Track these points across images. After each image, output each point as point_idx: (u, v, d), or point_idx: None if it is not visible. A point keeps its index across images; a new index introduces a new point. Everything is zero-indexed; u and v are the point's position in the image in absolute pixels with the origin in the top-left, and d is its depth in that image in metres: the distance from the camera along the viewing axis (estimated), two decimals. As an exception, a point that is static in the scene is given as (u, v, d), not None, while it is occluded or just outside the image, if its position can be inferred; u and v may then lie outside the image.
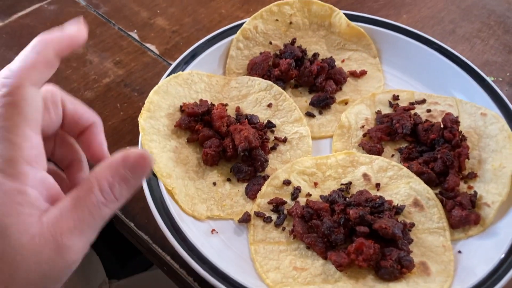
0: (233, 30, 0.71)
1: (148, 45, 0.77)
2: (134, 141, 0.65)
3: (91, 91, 0.71)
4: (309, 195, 0.56)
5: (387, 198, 0.54)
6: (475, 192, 0.55)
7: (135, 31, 0.79)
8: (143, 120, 0.57)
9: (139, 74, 0.73)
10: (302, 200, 0.55)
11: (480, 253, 0.51)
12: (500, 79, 0.72)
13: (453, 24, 0.81)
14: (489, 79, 0.64)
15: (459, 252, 0.52)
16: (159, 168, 0.55)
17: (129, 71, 0.74)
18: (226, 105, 0.65)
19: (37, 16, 0.82)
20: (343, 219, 0.51)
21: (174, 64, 0.65)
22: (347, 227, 0.51)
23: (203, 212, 0.55)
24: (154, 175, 0.55)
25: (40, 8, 0.83)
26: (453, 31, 0.79)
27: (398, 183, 0.56)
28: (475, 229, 0.53)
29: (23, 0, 0.84)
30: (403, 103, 0.65)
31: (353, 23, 0.71)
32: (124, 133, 0.66)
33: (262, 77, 0.67)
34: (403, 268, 0.48)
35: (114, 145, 0.65)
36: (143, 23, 0.81)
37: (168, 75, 0.64)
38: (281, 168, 0.58)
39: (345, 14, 0.71)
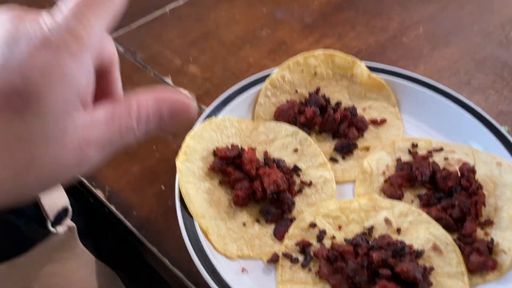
0: (261, 79, 0.76)
1: (181, 90, 0.83)
2: (169, 182, 0.69)
3: (128, 133, 0.76)
4: (333, 237, 0.59)
5: (407, 242, 0.57)
6: (492, 239, 0.58)
7: (170, 77, 0.86)
8: (180, 163, 0.62)
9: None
10: (327, 242, 0.59)
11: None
12: (514, 128, 0.76)
13: (468, 75, 0.85)
14: (503, 129, 0.68)
15: (477, 296, 0.55)
16: (194, 209, 0.59)
17: (164, 114, 0.79)
18: (255, 149, 0.69)
19: (79, 61, 0.89)
20: (366, 261, 0.54)
21: (207, 110, 0.71)
22: (370, 270, 0.54)
23: (234, 251, 0.59)
24: (190, 215, 0.59)
25: (82, 54, 0.90)
26: (468, 82, 0.84)
27: (418, 228, 0.59)
28: (492, 274, 0.55)
29: (66, 47, 0.91)
30: (421, 151, 0.69)
31: (374, 74, 0.76)
32: (159, 173, 0.71)
33: (289, 123, 0.72)
34: (424, 311, 0.51)
35: (150, 184, 0.70)
36: (177, 69, 0.87)
37: (203, 120, 0.69)
38: (307, 211, 0.62)
39: (366, 65, 0.77)
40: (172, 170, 0.70)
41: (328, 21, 0.98)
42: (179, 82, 0.85)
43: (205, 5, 1.01)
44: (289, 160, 0.68)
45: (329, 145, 0.72)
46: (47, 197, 0.56)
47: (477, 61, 0.88)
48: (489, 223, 0.60)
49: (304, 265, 0.57)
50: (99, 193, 0.69)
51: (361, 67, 0.76)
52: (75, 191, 0.72)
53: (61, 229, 0.59)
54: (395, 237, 0.58)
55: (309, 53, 0.77)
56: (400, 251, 0.55)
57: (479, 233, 0.59)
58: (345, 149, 0.70)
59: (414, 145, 0.70)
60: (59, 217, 0.59)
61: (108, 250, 0.74)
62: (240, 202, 0.63)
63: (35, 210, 0.55)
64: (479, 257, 0.55)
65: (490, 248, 0.57)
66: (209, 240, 0.59)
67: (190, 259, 0.56)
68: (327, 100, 0.75)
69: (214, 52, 0.90)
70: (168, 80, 0.85)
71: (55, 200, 0.57)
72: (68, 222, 0.60)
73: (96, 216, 0.71)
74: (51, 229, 0.57)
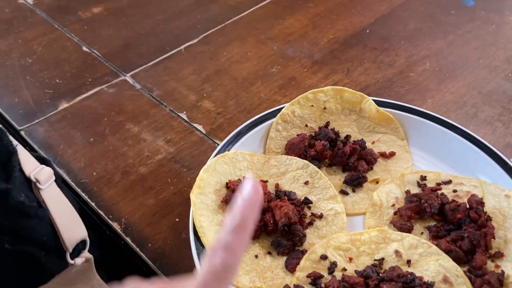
0: (273, 114, 0.79)
1: (195, 125, 0.86)
2: (184, 213, 0.71)
3: (145, 167, 0.79)
4: (344, 269, 0.60)
5: (417, 274, 0.58)
6: (502, 271, 0.58)
7: (184, 112, 0.89)
8: (194, 196, 0.64)
9: (187, 151, 0.81)
10: (338, 274, 0.60)
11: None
12: (522, 161, 0.77)
13: (475, 109, 0.87)
14: (511, 162, 0.69)
15: (490, 330, 0.55)
16: (208, 241, 0.61)
17: (179, 148, 0.82)
18: (266, 181, 0.71)
19: (98, 98, 0.93)
20: (377, 293, 0.55)
21: (220, 145, 0.73)
22: (381, 302, 0.55)
23: (246, 283, 0.60)
24: (204, 247, 0.61)
25: (100, 91, 0.94)
26: (475, 115, 0.86)
27: (428, 260, 0.60)
28: (504, 307, 0.56)
29: (86, 84, 0.96)
30: (430, 183, 0.70)
31: (382, 109, 0.78)
32: (174, 205, 0.73)
33: (299, 156, 0.74)
34: None
35: (165, 217, 0.72)
36: (192, 105, 0.90)
37: (216, 154, 0.72)
38: (318, 243, 0.63)
39: (374, 100, 0.79)
40: (186, 203, 0.73)
41: (337, 57, 1.01)
42: (193, 117, 0.88)
43: (218, 43, 1.05)
44: (300, 192, 0.70)
45: (339, 178, 0.73)
46: (66, 230, 0.58)
47: (483, 95, 0.90)
48: (499, 255, 0.60)
49: (316, 297, 0.58)
50: (115, 225, 0.71)
51: (369, 102, 0.79)
52: (92, 223, 0.74)
53: (79, 260, 0.61)
54: (405, 269, 0.59)
55: (318, 89, 0.80)
56: (410, 283, 0.56)
57: (490, 265, 0.60)
58: (355, 182, 0.71)
59: (423, 178, 0.71)
60: (78, 249, 0.61)
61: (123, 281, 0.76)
62: (252, 235, 0.64)
63: (55, 242, 0.57)
64: (490, 290, 0.55)
65: (500, 280, 0.57)
66: (222, 271, 0.60)
67: (204, 291, 0.57)
68: (337, 134, 0.77)
69: (227, 87, 0.94)
70: (183, 115, 0.88)
71: (74, 232, 0.59)
72: (86, 254, 0.62)
73: (112, 248, 0.73)
74: (70, 261, 0.59)
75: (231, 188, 0.67)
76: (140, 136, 0.84)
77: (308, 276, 0.60)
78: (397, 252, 0.61)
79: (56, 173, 0.61)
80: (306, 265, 0.61)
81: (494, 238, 0.61)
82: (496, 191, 0.66)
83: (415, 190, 0.70)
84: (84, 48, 1.06)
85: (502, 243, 0.61)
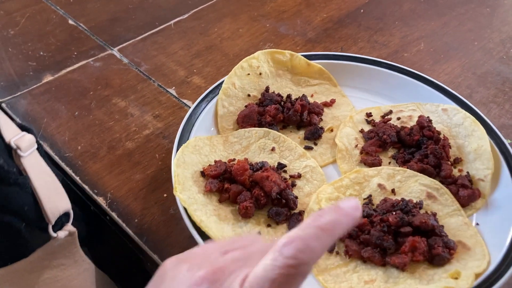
0: (215, 92, 0.76)
1: (185, 101, 0.84)
2: (172, 189, 0.68)
3: (131, 142, 0.77)
4: (343, 216, 0.60)
5: (406, 198, 0.61)
6: (468, 173, 0.65)
7: (174, 88, 0.86)
8: (179, 193, 0.60)
9: (176, 127, 0.78)
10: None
11: (491, 223, 0.61)
12: (517, 141, 0.76)
13: (470, 90, 0.86)
14: (506, 142, 0.68)
15: (477, 224, 0.61)
16: (214, 233, 0.57)
17: (167, 124, 0.80)
18: (246, 159, 0.67)
19: (84, 71, 0.90)
20: (385, 227, 0.56)
21: (177, 136, 0.69)
22: (390, 233, 0.56)
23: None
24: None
25: (86, 65, 0.91)
26: (470, 96, 0.84)
27: (408, 183, 0.63)
28: (479, 202, 0.62)
29: (71, 57, 0.93)
30: (376, 118, 0.74)
31: (312, 62, 0.80)
32: (162, 181, 0.71)
33: (255, 126, 0.72)
34: (450, 250, 0.55)
35: (152, 192, 0.69)
36: (181, 81, 0.88)
37: (177, 145, 0.67)
38: (308, 201, 0.63)
39: (302, 55, 0.81)
40: (174, 178, 0.70)
41: (331, 36, 0.99)
42: (182, 93, 0.86)
43: (209, 19, 1.03)
44: (271, 160, 0.68)
45: (298, 136, 0.73)
46: (49, 200, 0.55)
47: (478, 76, 0.89)
48: (459, 160, 0.66)
49: (330, 251, 0.58)
50: (100, 200, 0.68)
51: (298, 57, 0.80)
52: (77, 198, 0.71)
53: (62, 234, 0.57)
54: (393, 198, 0.61)
55: (250, 56, 0.79)
56: (406, 207, 0.58)
57: (454, 172, 0.65)
58: (315, 135, 0.72)
59: (369, 115, 0.75)
60: (61, 222, 0.58)
61: (108, 258, 0.73)
62: (250, 213, 0.61)
63: (36, 213, 0.54)
64: (467, 190, 0.61)
65: (470, 180, 0.63)
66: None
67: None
68: (280, 96, 0.77)
69: (217, 64, 0.92)
70: (172, 91, 0.86)
71: (57, 204, 0.56)
72: (69, 227, 0.59)
73: (97, 224, 0.70)
74: (52, 233, 0.56)
75: (209, 175, 0.64)
76: (127, 111, 0.82)
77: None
78: (380, 185, 0.63)
79: (39, 142, 0.58)
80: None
81: (450, 147, 0.67)
82: (432, 107, 0.73)
83: (366, 127, 0.73)
84: (70, 21, 1.03)
85: (456, 150, 0.68)
